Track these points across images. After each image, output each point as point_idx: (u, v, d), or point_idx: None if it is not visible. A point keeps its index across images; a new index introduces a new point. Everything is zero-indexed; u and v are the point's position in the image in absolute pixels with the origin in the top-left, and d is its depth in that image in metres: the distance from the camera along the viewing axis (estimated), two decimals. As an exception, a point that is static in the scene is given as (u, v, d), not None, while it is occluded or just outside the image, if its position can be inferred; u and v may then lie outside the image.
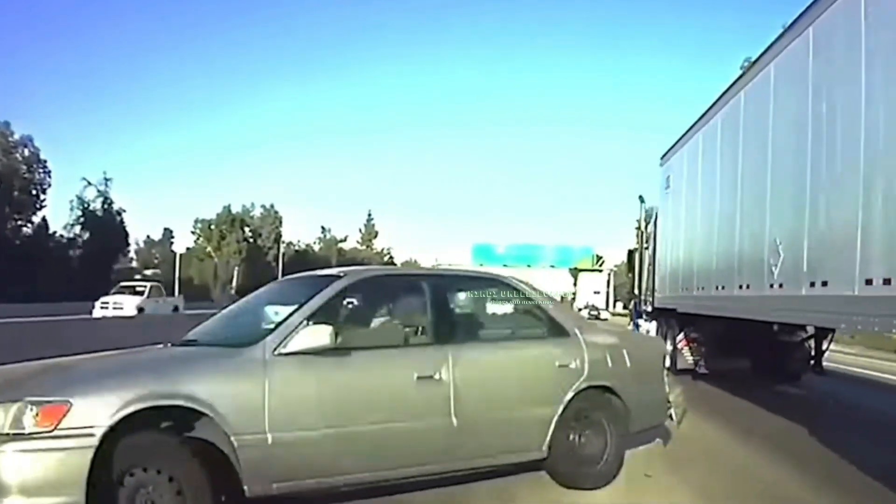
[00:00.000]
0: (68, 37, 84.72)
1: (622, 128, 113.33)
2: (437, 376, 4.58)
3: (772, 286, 7.45)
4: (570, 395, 5.10)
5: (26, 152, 53.69)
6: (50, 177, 55.42)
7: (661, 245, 13.64)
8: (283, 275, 58.80)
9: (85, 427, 3.53)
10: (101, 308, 25.83)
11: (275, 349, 4.15)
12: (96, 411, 3.58)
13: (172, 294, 34.09)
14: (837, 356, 13.40)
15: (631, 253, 17.94)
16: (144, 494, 3.67)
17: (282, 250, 71.42)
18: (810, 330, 10.40)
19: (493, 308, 5.63)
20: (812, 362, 10.91)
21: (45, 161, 54.86)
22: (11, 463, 3.41)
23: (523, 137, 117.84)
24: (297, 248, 78.82)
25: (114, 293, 27.60)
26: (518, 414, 4.92)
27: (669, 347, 11.63)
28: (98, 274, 53.48)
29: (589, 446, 5.20)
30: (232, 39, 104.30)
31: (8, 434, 3.46)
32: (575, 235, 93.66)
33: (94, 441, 3.51)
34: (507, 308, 5.61)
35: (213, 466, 3.88)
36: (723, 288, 9.33)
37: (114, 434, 3.58)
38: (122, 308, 25.53)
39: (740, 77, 9.28)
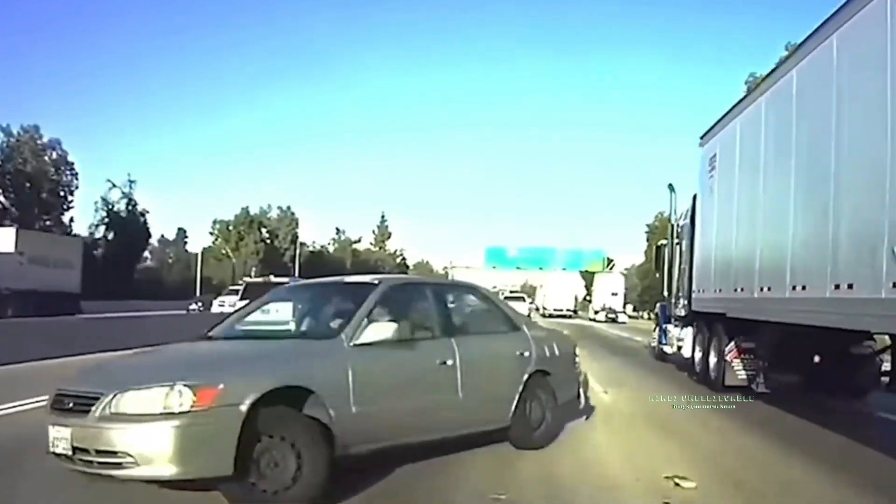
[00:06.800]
0: (97, 43, 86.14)
1: (633, 131, 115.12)
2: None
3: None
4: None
5: (55, 155, 54.89)
6: (77, 179, 56.60)
7: (703, 237, 11.98)
8: (300, 275, 59.79)
9: (234, 404, 4.28)
10: (219, 306, 31.07)
11: (350, 341, 5.19)
12: (243, 391, 4.34)
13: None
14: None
15: (659, 249, 15.96)
16: (269, 457, 4.38)
17: (298, 251, 72.51)
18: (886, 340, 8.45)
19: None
20: (888, 379, 8.65)
21: (73, 163, 55.96)
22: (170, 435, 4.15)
23: (533, 140, 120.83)
24: (311, 249, 79.73)
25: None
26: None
27: (714, 360, 10.59)
28: (121, 273, 54.57)
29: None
30: (244, 41, 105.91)
31: (168, 413, 4.14)
32: (585, 239, 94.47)
33: (243, 413, 4.26)
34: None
35: (317, 433, 4.68)
36: (803, 288, 7.56)
37: (254, 408, 4.32)
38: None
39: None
